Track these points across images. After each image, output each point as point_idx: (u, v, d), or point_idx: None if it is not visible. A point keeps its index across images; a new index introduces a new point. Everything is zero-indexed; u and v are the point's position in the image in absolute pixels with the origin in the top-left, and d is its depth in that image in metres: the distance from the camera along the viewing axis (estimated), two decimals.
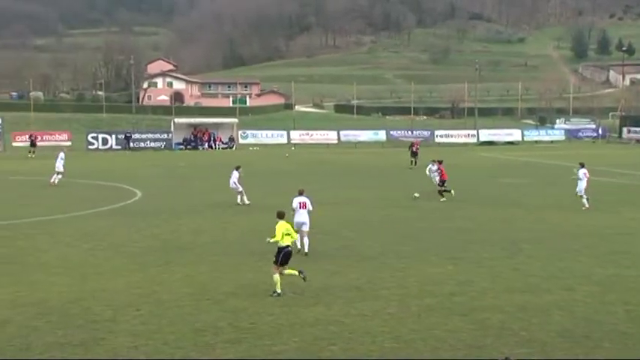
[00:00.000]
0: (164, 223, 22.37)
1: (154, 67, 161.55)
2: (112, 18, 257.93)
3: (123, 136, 66.43)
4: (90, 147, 64.88)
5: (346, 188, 32.37)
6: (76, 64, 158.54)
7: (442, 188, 28.80)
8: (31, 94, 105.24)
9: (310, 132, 75.58)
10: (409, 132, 77.21)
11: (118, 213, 24.76)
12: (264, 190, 31.48)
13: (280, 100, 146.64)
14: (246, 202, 26.84)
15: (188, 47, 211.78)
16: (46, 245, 18.60)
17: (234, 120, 74.23)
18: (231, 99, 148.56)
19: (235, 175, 27.31)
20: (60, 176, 33.83)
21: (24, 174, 40.38)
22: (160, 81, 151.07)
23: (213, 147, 68.75)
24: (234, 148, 68.55)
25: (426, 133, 77.16)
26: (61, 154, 34.80)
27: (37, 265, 16.22)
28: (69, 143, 66.05)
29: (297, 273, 14.07)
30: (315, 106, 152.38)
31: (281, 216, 14.67)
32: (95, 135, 67.26)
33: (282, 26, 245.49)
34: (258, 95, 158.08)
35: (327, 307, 12.83)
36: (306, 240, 17.69)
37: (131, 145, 65.83)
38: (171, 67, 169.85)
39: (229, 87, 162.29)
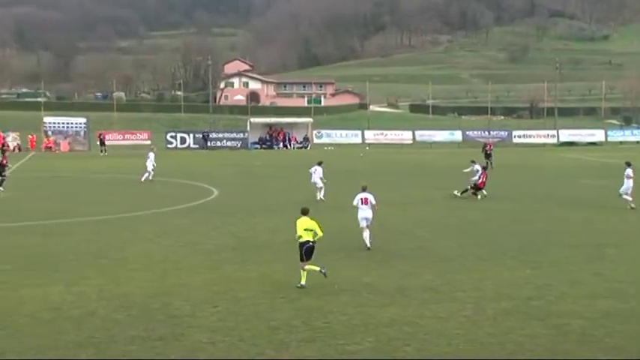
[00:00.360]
0: (240, 222, 22.73)
1: (230, 68, 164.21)
2: (191, 19, 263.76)
3: (200, 136, 67.89)
4: (169, 146, 66.59)
5: (421, 188, 32.12)
6: (156, 65, 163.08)
7: (472, 190, 28.50)
8: (114, 94, 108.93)
9: (385, 132, 75.34)
10: (486, 132, 75.94)
11: (196, 211, 25.31)
12: (337, 190, 31.51)
13: (355, 100, 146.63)
14: (322, 198, 27.46)
15: (264, 47, 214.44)
16: (129, 241, 19.20)
17: (309, 120, 74.75)
18: (306, 99, 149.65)
19: (320, 170, 28.37)
20: (148, 175, 35.35)
21: (104, 172, 41.77)
22: (236, 81, 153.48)
23: (288, 146, 69.42)
24: (308, 148, 69.02)
25: (503, 134, 75.77)
26: (151, 154, 36.40)
27: (120, 260, 16.76)
28: (149, 142, 67.90)
29: (317, 269, 14.34)
30: (390, 105, 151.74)
31: (305, 212, 15.19)
32: (174, 134, 69.04)
33: (357, 26, 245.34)
34: (333, 95, 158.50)
35: (401, 307, 12.78)
36: (367, 234, 18.18)
37: (208, 144, 67.20)
38: (247, 67, 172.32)
39: (304, 87, 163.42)
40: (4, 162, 31.37)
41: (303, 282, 14.33)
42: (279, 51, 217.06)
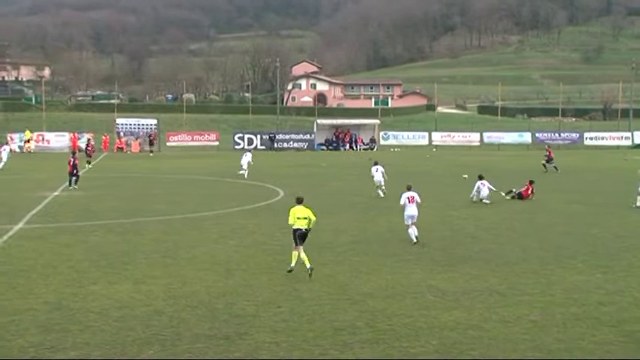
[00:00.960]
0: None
1: (298, 69, 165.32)
2: (260, 22, 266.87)
3: (267, 137, 68.54)
4: (236, 147, 67.49)
5: (491, 192, 31.55)
6: (225, 67, 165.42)
7: (511, 195, 28.72)
8: (184, 96, 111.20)
9: (452, 133, 74.60)
10: (556, 134, 74.31)
11: (262, 211, 25.57)
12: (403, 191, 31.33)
13: (422, 102, 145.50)
14: (381, 194, 29.30)
15: (332, 49, 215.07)
16: (195, 241, 19.52)
17: (376, 121, 74.62)
18: (373, 100, 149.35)
19: (381, 169, 30.26)
20: (243, 172, 37.75)
21: (173, 172, 42.61)
22: (303, 83, 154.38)
23: (355, 148, 69.39)
24: (375, 149, 68.87)
25: (574, 136, 73.96)
26: (248, 154, 40.38)
27: (187, 259, 17.06)
28: (217, 143, 69.11)
29: (307, 265, 15.19)
30: (458, 107, 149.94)
31: (299, 201, 16.63)
32: (241, 135, 69.95)
33: (426, 26, 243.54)
34: (400, 96, 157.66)
35: (466, 311, 12.59)
36: (412, 230, 19.13)
37: (275, 145, 67.81)
38: (315, 69, 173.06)
39: (371, 88, 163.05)
40: (77, 162, 32.89)
41: (292, 264, 15.48)
42: (346, 53, 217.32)
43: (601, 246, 18.81)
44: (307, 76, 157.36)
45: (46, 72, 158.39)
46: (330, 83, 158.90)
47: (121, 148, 66.11)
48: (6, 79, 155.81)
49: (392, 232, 20.87)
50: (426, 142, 73.07)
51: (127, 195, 30.90)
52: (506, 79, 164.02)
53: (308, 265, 15.24)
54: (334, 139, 70.22)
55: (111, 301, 13.17)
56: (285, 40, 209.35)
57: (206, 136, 71.01)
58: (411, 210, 19.23)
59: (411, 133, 74.82)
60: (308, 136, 70.35)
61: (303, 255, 15.45)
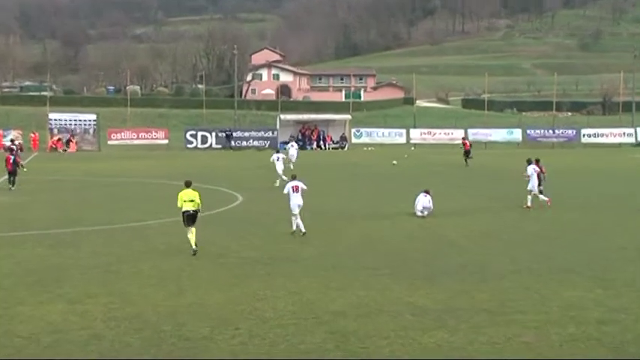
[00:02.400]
0: (267, 232, 22.77)
1: (258, 58, 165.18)
2: (215, 4, 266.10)
3: (223, 134, 68.25)
4: (188, 145, 67.27)
5: (473, 196, 31.87)
6: (175, 55, 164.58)
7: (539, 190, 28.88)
8: (127, 87, 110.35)
9: (433, 130, 75.21)
10: (550, 131, 75.27)
11: (217, 219, 25.43)
12: (378, 196, 31.46)
13: (399, 94, 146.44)
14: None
15: (297, 35, 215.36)
16: (141, 253, 19.35)
17: (347, 116, 74.93)
18: (343, 93, 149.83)
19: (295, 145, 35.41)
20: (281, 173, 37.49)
21: (115, 175, 42.21)
22: (265, 73, 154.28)
23: (323, 147, 69.53)
24: (345, 148, 69.14)
25: (570, 132, 74.98)
26: (280, 155, 39.06)
27: (131, 274, 16.89)
28: (166, 141, 68.68)
29: (194, 245, 18.92)
30: (440, 100, 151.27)
31: (187, 185, 20.10)
32: (194, 132, 69.71)
33: (403, 10, 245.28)
34: (374, 88, 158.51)
35: (450, 332, 12.63)
36: (299, 221, 21.89)
37: (232, 143, 67.59)
38: (277, 57, 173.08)
39: (342, 79, 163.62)
40: (19, 160, 34.66)
41: (193, 247, 19.01)
42: (313, 39, 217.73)
43: (600, 257, 19.03)
44: (269, 65, 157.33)
45: None
46: (295, 74, 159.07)
47: (55, 148, 65.29)
48: None
49: (365, 243, 20.91)
50: (403, 140, 73.46)
51: (61, 201, 30.51)
52: (494, 68, 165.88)
53: (193, 247, 18.92)
54: (300, 137, 70.25)
55: (42, 324, 12.96)
56: (243, 25, 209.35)
57: (153, 133, 70.67)
58: (296, 199, 21.95)
59: (386, 130, 75.18)
60: (270, 134, 70.34)
61: (190, 235, 19.13)
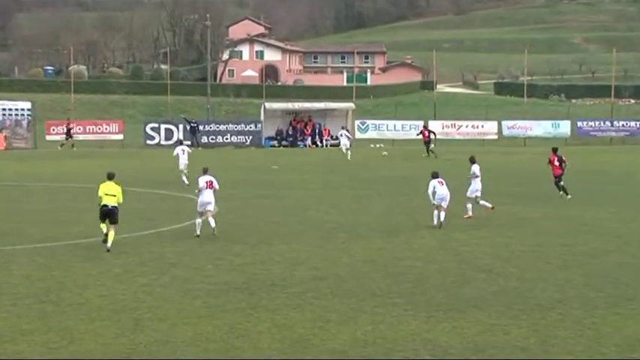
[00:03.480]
0: (248, 251, 22.78)
1: (238, 31, 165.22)
2: None
3: (188, 126, 67.44)
4: (149, 142, 67.18)
5: (510, 204, 31.90)
6: (131, 26, 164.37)
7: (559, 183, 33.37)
8: (70, 68, 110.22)
9: (458, 122, 75.07)
10: (607, 123, 75.18)
11: (186, 235, 25.42)
12: (387, 206, 31.48)
13: (416, 77, 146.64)
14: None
15: (286, 1, 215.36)
16: (89, 278, 19.35)
17: (350, 105, 74.83)
18: (345, 75, 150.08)
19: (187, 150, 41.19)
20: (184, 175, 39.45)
21: (56, 179, 42.18)
22: (246, 50, 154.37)
23: (319, 143, 69.51)
24: (347, 145, 68.86)
25: (633, 125, 74.79)
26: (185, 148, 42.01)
27: (75, 305, 16.90)
28: (120, 137, 68.62)
29: (109, 242, 22.35)
30: (467, 85, 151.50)
31: (109, 177, 23.20)
32: (156, 126, 69.51)
33: None
34: (384, 70, 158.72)
35: None
36: (211, 220, 24.51)
37: (198, 139, 66.76)
38: (262, 30, 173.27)
39: (343, 58, 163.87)
40: None
41: (108, 245, 22.33)
42: (307, 7, 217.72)
43: None
44: (251, 40, 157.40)
45: None
46: (284, 51, 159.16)
47: None
48: None
49: (373, 264, 20.95)
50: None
51: None
52: (535, 44, 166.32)
53: (108, 245, 22.32)
54: (290, 131, 70.28)
55: None
56: None
57: (105, 126, 70.50)
58: (207, 196, 24.72)
59: (399, 123, 75.01)
60: (252, 127, 70.28)
61: (111, 233, 22.44)
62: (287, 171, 47.00)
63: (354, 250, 23.03)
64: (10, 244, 23.82)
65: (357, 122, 72.54)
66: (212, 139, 68.64)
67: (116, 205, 22.68)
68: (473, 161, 29.85)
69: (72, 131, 65.34)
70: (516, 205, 31.86)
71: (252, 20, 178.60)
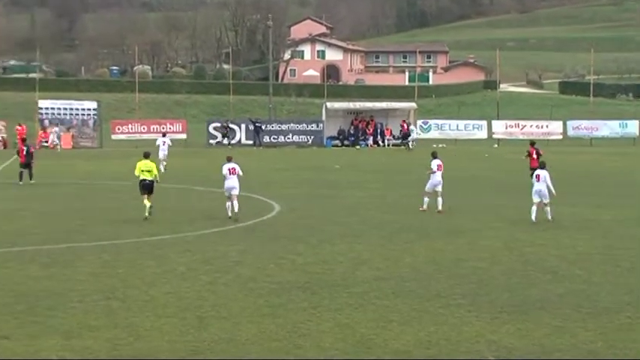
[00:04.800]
0: (311, 250, 22.82)
1: (300, 31, 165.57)
2: None
3: (252, 127, 68.18)
4: (211, 141, 67.62)
5: (577, 205, 31.57)
6: (195, 27, 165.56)
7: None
8: (135, 68, 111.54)
9: (522, 122, 74.57)
10: None
11: (249, 233, 25.57)
12: (452, 207, 31.34)
13: (478, 76, 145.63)
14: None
15: (348, 1, 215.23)
16: (154, 276, 19.52)
17: (412, 104, 74.67)
18: (407, 74, 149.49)
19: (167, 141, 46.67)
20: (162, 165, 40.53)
21: (121, 178, 42.69)
22: (307, 49, 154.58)
23: (381, 143, 69.41)
24: (410, 145, 68.79)
25: None
26: (167, 140, 44.41)
27: (140, 302, 17.06)
28: (183, 136, 69.20)
29: (147, 213, 27.27)
30: (531, 84, 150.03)
31: (145, 156, 28.44)
32: (218, 125, 69.94)
33: None
34: (446, 69, 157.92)
35: None
36: (235, 203, 27.72)
37: (263, 139, 67.50)
38: (323, 29, 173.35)
39: (405, 57, 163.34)
40: (32, 150, 40.77)
41: (146, 214, 27.21)
42: (369, 6, 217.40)
43: None
44: (312, 39, 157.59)
45: None
46: (346, 50, 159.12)
47: (46, 143, 66.11)
48: None
49: (437, 265, 20.85)
50: (484, 134, 73.08)
51: (54, 210, 30.97)
52: (602, 42, 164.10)
53: (146, 214, 27.23)
54: (352, 131, 70.25)
55: None
56: None
57: (168, 125, 71.11)
58: (231, 181, 27.73)
59: (461, 122, 74.79)
60: (314, 127, 70.44)
61: (146, 202, 27.41)
62: (349, 171, 47.01)
63: (416, 250, 22.95)
64: (77, 241, 24.17)
65: (419, 122, 72.39)
66: (274, 138, 68.95)
67: (152, 179, 27.84)
68: (434, 156, 31.08)
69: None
70: (583, 207, 31.52)
71: (314, 20, 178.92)
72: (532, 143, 40.23)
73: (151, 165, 28.14)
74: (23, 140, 42.10)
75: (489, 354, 13.73)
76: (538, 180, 27.39)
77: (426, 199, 30.41)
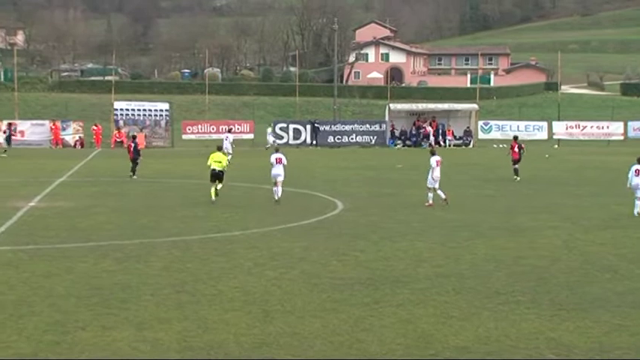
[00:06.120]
0: (373, 247, 22.81)
1: (364, 34, 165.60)
2: None
3: (311, 127, 68.52)
4: (277, 141, 67.78)
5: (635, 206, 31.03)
6: (262, 30, 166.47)
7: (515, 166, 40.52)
8: (205, 71, 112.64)
9: (582, 123, 73.66)
10: None
11: (312, 231, 25.64)
12: (512, 206, 31.06)
13: (540, 78, 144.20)
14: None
15: (412, 5, 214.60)
16: (222, 271, 19.67)
17: (473, 106, 74.20)
18: (469, 76, 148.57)
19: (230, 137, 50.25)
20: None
21: (191, 176, 43.09)
22: (371, 52, 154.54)
23: (442, 143, 69.10)
24: (470, 145, 68.48)
25: None
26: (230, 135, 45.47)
27: (209, 296, 17.21)
28: (251, 136, 69.60)
29: (213, 197, 30.92)
30: (592, 86, 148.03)
31: (218, 149, 32.82)
32: (284, 125, 70.29)
33: None
34: (508, 71, 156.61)
35: None
36: (280, 189, 31.19)
37: (328, 139, 67.83)
38: (387, 33, 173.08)
39: (467, 60, 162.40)
40: (140, 147, 43.43)
41: (213, 198, 30.79)
42: (432, 10, 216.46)
43: None
44: (376, 42, 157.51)
45: (20, 37, 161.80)
46: (409, 53, 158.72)
47: (121, 142, 67.04)
48: None
49: (496, 262, 20.70)
50: (544, 135, 72.34)
51: (127, 207, 31.37)
52: None
53: (213, 198, 30.82)
54: (414, 132, 70.04)
55: (106, 353, 13.35)
56: None
57: (237, 126, 71.63)
58: (277, 169, 31.37)
59: (522, 123, 74.11)
60: (377, 127, 70.43)
61: (213, 189, 31.02)
62: (411, 170, 46.85)
63: (476, 248, 22.81)
64: (149, 237, 24.48)
65: (480, 123, 71.94)
66: (338, 138, 69.10)
67: (222, 169, 31.30)
68: (433, 153, 31.98)
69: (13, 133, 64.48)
70: None
71: (378, 24, 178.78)
72: (515, 138, 42.97)
73: (222, 157, 31.76)
74: (134, 137, 44.35)
75: (548, 351, 13.60)
76: (637, 175, 27.96)
77: (430, 195, 31.23)
